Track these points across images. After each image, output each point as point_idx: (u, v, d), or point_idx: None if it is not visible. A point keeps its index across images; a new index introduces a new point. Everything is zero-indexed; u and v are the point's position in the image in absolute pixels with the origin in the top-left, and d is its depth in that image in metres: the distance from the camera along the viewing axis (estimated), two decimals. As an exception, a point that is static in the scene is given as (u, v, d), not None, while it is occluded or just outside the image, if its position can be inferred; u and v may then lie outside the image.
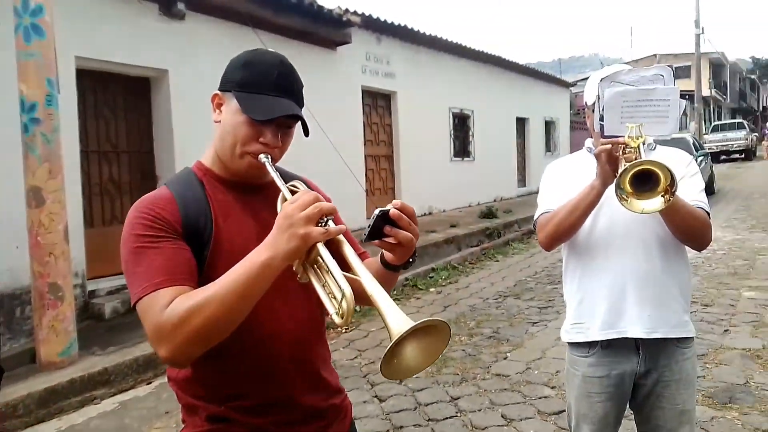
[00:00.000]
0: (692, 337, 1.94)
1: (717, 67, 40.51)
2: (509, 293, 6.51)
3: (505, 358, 4.44)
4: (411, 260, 1.25)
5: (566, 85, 19.59)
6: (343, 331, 5.11)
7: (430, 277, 7.36)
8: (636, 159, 1.57)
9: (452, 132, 12.73)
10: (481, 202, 13.12)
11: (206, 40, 6.86)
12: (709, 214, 1.88)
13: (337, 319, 1.02)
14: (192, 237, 1.17)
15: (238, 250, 1.13)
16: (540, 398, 3.69)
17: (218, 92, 1.25)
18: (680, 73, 36.38)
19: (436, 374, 4.08)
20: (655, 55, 36.26)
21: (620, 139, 1.64)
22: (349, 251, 1.08)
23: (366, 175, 10.07)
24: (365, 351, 4.71)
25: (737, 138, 27.34)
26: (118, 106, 6.37)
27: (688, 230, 1.81)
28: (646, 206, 1.51)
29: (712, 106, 40.07)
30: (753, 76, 56.53)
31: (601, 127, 1.66)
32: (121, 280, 5.63)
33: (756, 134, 30.56)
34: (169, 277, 1.08)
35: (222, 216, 1.22)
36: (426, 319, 0.93)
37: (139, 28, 6.18)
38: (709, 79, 37.49)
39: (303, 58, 8.16)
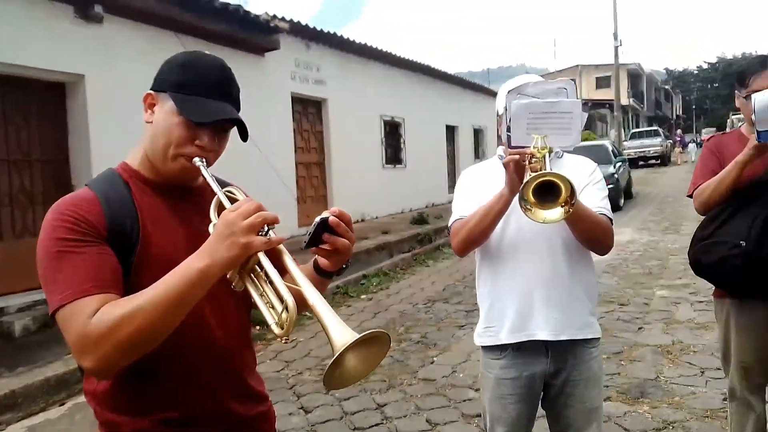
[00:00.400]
0: (598, 338, 2.04)
1: (635, 77, 42.90)
2: (438, 298, 6.61)
3: (432, 363, 4.50)
4: (344, 266, 1.27)
5: (493, 94, 19.71)
6: (283, 341, 5.02)
7: (362, 284, 7.37)
8: (541, 169, 1.63)
9: (384, 139, 12.84)
10: (413, 208, 13.28)
11: (126, 45, 6.60)
12: (611, 220, 1.98)
13: (277, 330, 1.01)
14: (117, 241, 1.11)
15: (167, 257, 1.10)
16: (464, 401, 3.76)
17: (151, 92, 1.21)
18: (601, 83, 38.37)
19: (363, 382, 4.08)
20: (577, 66, 38.00)
21: (526, 150, 1.70)
22: (289, 261, 1.07)
23: (297, 182, 9.98)
24: (293, 362, 4.64)
25: (653, 145, 28.96)
26: (31, 113, 6.01)
27: (590, 236, 1.89)
28: (548, 216, 1.56)
29: (630, 115, 42.37)
30: (667, 87, 60.35)
31: (508, 137, 1.71)
32: (33, 296, 5.31)
33: (670, 141, 32.49)
34: (95, 284, 1.03)
35: (149, 220, 1.17)
36: (369, 332, 0.94)
37: (52, 31, 5.87)
38: (628, 88, 39.66)
39: (230, 64, 7.94)
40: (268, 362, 4.64)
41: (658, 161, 28.91)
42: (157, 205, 1.20)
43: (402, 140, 13.69)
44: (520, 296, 1.95)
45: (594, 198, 1.95)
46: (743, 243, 2.29)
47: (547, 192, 1.55)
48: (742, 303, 2.42)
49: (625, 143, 28.97)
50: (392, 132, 13.43)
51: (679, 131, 43.82)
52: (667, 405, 3.53)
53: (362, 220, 11.59)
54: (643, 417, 3.40)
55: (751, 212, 2.30)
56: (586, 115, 1.67)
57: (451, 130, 16.48)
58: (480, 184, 2.03)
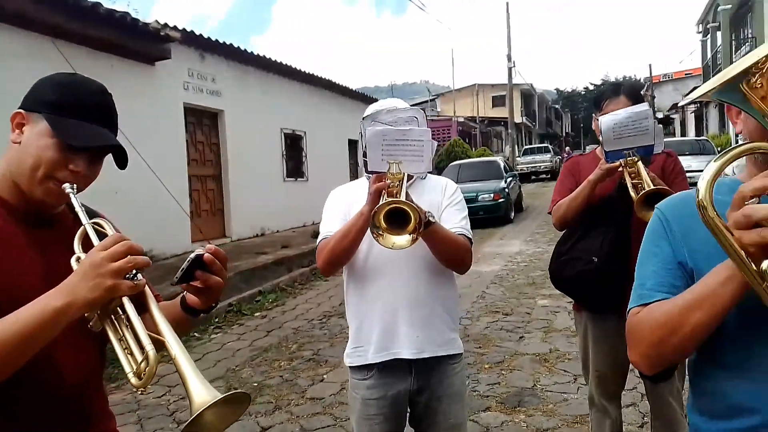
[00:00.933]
0: (460, 353, 2.12)
1: (527, 97, 45.53)
2: (334, 312, 6.61)
3: (321, 380, 4.48)
4: (214, 305, 1.23)
5: None
6: (140, 392, 4.77)
7: (257, 301, 7.21)
8: (397, 195, 1.68)
9: (285, 152, 12.71)
10: (315, 221, 13.21)
11: (-3, 50, 6.08)
12: (471, 240, 2.07)
13: (133, 380, 0.97)
14: None
15: (18, 289, 1.02)
16: (349, 419, 3.76)
17: (21, 111, 1.13)
18: (497, 101, 40.30)
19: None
20: (474, 85, 39.73)
21: (382, 175, 1.74)
22: (154, 307, 1.03)
23: (191, 196, 9.62)
24: (175, 386, 4.44)
25: (544, 160, 30.83)
26: None
27: (448, 256, 1.97)
28: (397, 241, 1.61)
29: (524, 132, 44.86)
30: (557, 106, 64.56)
31: (365, 162, 1.75)
32: None
33: (559, 156, 34.66)
34: None
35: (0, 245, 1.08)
36: (228, 393, 0.92)
37: None
38: (521, 107, 42.01)
39: (116, 72, 7.63)
40: (149, 387, 4.40)
41: (549, 176, 30.75)
42: (10, 230, 1.11)
43: (304, 154, 13.62)
44: (385, 315, 1.99)
45: (453, 218, 2.04)
46: (596, 259, 2.47)
47: (399, 218, 1.60)
48: (596, 315, 2.60)
49: (518, 159, 30.59)
50: (294, 145, 13.32)
51: (567, 148, 46.91)
52: (542, 413, 3.72)
53: (262, 234, 11.38)
54: (519, 426, 3.57)
55: (603, 229, 2.48)
56: (436, 143, 1.75)
57: (353, 144, 16.60)
58: (346, 203, 2.06)
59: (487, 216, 13.08)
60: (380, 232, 1.60)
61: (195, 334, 5.70)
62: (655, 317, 1.06)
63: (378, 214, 1.58)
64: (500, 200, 13.18)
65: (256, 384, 4.44)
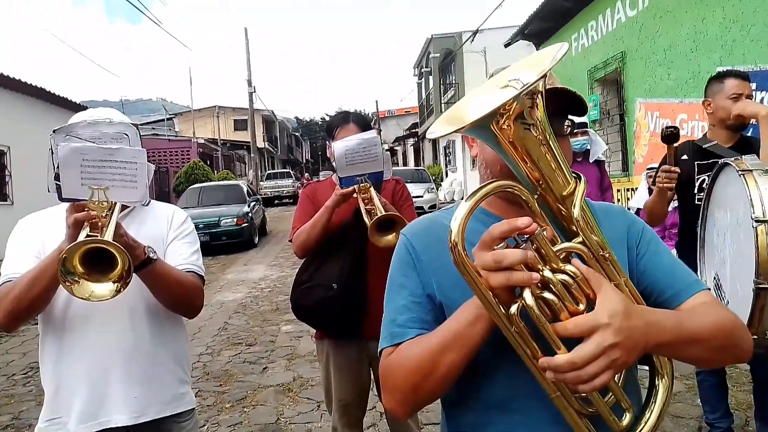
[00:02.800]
0: (192, 409, 1.85)
1: (269, 123, 46.12)
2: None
3: (21, 453, 3.64)
4: None
5: None
6: None
7: (-69, 360, 5.66)
8: (104, 227, 1.37)
9: (-22, 171, 10.51)
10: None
11: None
12: (203, 277, 1.83)
13: None
14: None
15: None
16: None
17: None
18: (239, 125, 40.00)
19: None
20: (215, 107, 38.80)
21: (84, 204, 1.41)
22: None
23: None
24: None
25: (286, 185, 31.53)
26: None
27: (174, 299, 1.69)
28: (96, 290, 1.30)
29: (266, 157, 45.23)
30: (297, 134, 66.87)
31: (58, 187, 1.39)
32: None
33: (300, 182, 35.75)
34: None
35: None
36: None
37: None
38: (263, 132, 42.32)
39: None
40: None
41: (291, 200, 31.49)
42: None
43: (8, 173, 11.45)
44: (92, 375, 1.63)
45: (181, 253, 1.78)
46: (335, 285, 2.44)
47: (103, 259, 1.29)
48: (338, 343, 2.57)
49: (262, 183, 30.67)
50: (-10, 163, 11.13)
51: (306, 174, 48.76)
52: (285, 446, 3.58)
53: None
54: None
55: (342, 255, 2.47)
56: (153, 167, 1.48)
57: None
58: (40, 238, 1.65)
59: (231, 241, 12.66)
60: (75, 279, 1.26)
61: None
62: (408, 362, 1.01)
63: (71, 256, 1.24)
64: (244, 225, 12.88)
65: None
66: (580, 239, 0.94)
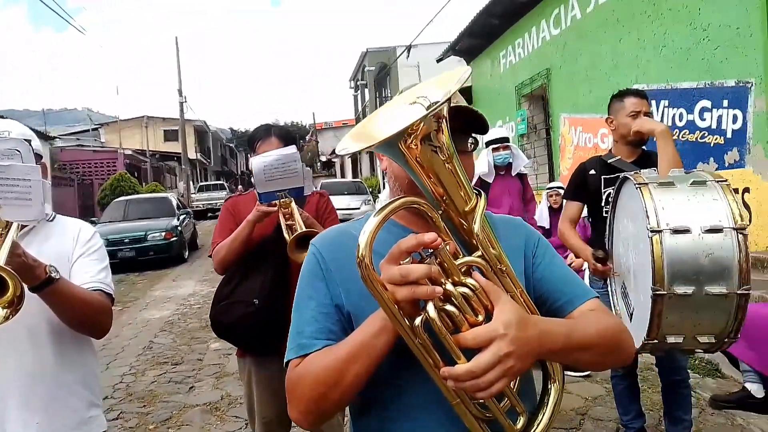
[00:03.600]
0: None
1: (201, 133, 44.95)
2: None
3: None
4: None
5: (46, 138, 17.93)
6: None
7: None
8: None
9: None
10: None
11: None
12: (112, 297, 1.74)
13: None
14: None
15: None
16: None
17: None
18: (169, 136, 38.79)
19: None
20: (144, 117, 37.51)
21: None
22: None
23: None
24: None
25: (220, 197, 30.66)
26: None
27: (79, 320, 1.61)
28: None
29: (198, 168, 44.04)
30: (232, 145, 65.52)
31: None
32: None
33: (234, 194, 35.07)
34: None
35: None
36: None
37: None
38: (195, 143, 41.20)
39: None
40: None
41: (229, 213, 30.78)
42: None
43: None
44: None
45: (88, 271, 1.69)
46: (257, 301, 2.38)
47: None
48: (260, 360, 2.51)
49: (194, 195, 29.81)
50: None
51: (240, 187, 47.84)
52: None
53: None
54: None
55: (263, 271, 2.42)
56: (48, 183, 1.41)
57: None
58: None
59: (158, 256, 12.20)
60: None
61: None
62: (314, 373, 1.02)
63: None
64: (172, 239, 12.44)
65: None
66: (479, 253, 0.98)
